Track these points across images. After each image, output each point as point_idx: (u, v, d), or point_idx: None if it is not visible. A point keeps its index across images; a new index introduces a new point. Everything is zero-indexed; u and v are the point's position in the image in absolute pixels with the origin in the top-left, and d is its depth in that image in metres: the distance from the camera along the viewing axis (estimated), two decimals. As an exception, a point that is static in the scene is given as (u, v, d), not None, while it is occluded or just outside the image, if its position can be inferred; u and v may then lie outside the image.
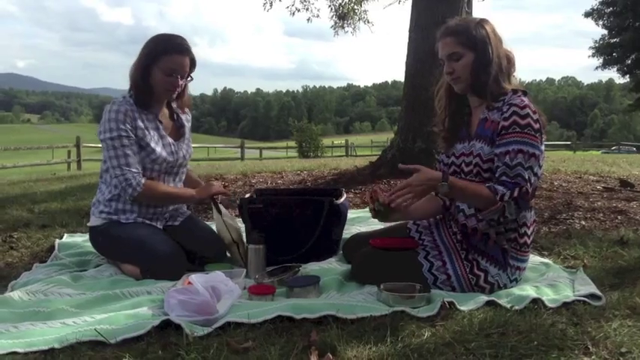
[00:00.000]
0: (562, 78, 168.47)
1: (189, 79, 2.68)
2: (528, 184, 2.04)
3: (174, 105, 2.80)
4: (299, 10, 11.25)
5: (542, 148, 2.13)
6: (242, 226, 2.80)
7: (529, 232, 2.22)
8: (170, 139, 2.69)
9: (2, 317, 1.95)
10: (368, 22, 11.56)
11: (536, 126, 2.06)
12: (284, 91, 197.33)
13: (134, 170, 2.51)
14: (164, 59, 2.53)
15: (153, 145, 2.58)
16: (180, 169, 2.77)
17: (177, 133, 2.77)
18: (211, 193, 2.74)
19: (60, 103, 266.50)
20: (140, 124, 2.56)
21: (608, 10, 28.08)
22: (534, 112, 2.07)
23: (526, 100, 2.11)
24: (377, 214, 2.22)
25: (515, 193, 2.02)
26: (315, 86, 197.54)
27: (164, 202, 2.68)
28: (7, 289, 2.33)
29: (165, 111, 2.75)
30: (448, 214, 2.44)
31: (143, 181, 2.52)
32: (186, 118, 2.87)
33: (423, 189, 2.08)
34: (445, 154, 2.40)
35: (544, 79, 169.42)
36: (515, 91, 2.16)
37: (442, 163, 2.41)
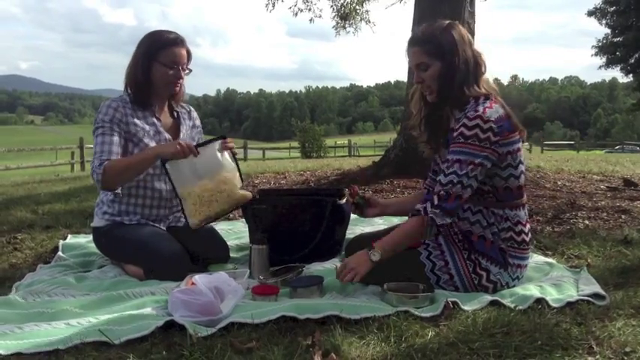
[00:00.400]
0: (565, 77, 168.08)
1: (187, 71, 2.70)
2: (456, 187, 2.04)
3: (174, 105, 2.82)
4: (301, 11, 11.25)
5: (515, 147, 2.11)
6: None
7: (525, 230, 2.22)
8: (167, 136, 2.70)
9: (6, 318, 1.95)
10: (369, 22, 11.56)
11: (484, 135, 2.04)
12: (287, 91, 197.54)
13: (104, 158, 2.46)
14: (163, 53, 2.58)
15: (147, 140, 2.60)
16: None
17: (177, 130, 2.78)
18: (176, 150, 2.41)
19: (63, 105, 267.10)
20: (133, 120, 2.59)
21: (612, 9, 28.01)
22: (486, 122, 2.04)
23: (482, 108, 2.07)
24: (356, 207, 2.49)
25: (435, 201, 2.05)
26: (317, 86, 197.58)
27: (130, 173, 2.51)
28: (11, 290, 2.34)
29: (165, 108, 2.77)
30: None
31: (100, 163, 2.44)
32: (193, 116, 2.89)
33: (362, 268, 2.10)
34: (434, 160, 2.41)
35: (547, 79, 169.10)
36: (476, 99, 2.13)
37: (434, 163, 2.44)
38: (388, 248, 2.11)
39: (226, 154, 2.60)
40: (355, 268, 2.09)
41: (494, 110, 2.08)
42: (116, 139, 2.53)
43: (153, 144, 2.60)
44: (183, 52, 2.64)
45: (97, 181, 2.46)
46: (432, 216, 2.06)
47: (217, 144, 2.58)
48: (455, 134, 2.08)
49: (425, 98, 2.30)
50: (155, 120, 2.68)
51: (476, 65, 2.16)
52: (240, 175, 2.67)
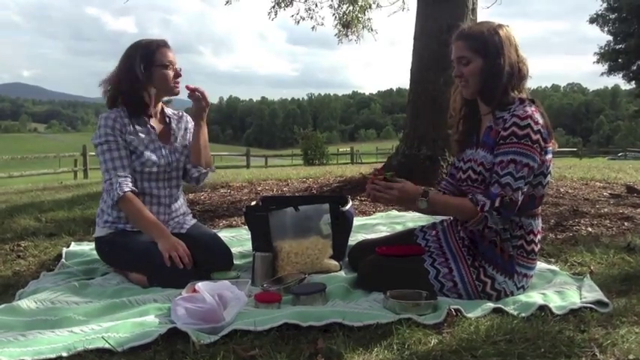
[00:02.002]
0: (567, 84, 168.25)
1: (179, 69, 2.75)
2: (516, 193, 2.04)
3: (168, 110, 2.86)
4: (304, 19, 11.29)
5: (549, 156, 2.14)
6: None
7: (536, 240, 2.22)
8: (160, 143, 2.74)
9: (10, 326, 1.96)
10: (372, 30, 11.58)
11: (535, 137, 2.05)
12: (289, 99, 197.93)
13: (120, 174, 2.57)
14: (157, 57, 2.65)
15: (142, 148, 2.65)
16: (173, 174, 2.78)
17: (168, 136, 2.81)
18: (166, 254, 2.45)
19: (66, 112, 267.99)
20: (130, 128, 2.65)
21: (613, 16, 28.08)
22: (536, 123, 2.06)
23: (530, 110, 2.09)
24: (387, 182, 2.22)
25: (497, 203, 2.04)
26: (320, 94, 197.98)
27: (132, 219, 2.62)
28: (15, 297, 2.34)
29: (158, 115, 2.80)
30: (455, 220, 2.44)
31: (126, 189, 2.54)
32: (185, 120, 2.91)
33: (401, 200, 2.14)
34: (457, 158, 2.41)
35: (549, 86, 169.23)
36: (522, 101, 2.15)
37: (454, 167, 2.43)
38: (437, 205, 2.13)
39: (327, 218, 2.65)
40: (397, 196, 2.11)
41: (539, 116, 2.10)
42: (123, 152, 2.60)
43: (148, 152, 2.65)
44: (172, 52, 2.72)
45: (113, 199, 2.55)
46: (487, 215, 2.06)
47: (325, 207, 2.65)
48: (505, 133, 2.08)
49: (463, 98, 2.31)
50: (149, 128, 2.72)
51: (520, 70, 2.18)
52: (333, 246, 2.67)
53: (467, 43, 2.19)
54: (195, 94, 2.72)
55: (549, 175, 2.19)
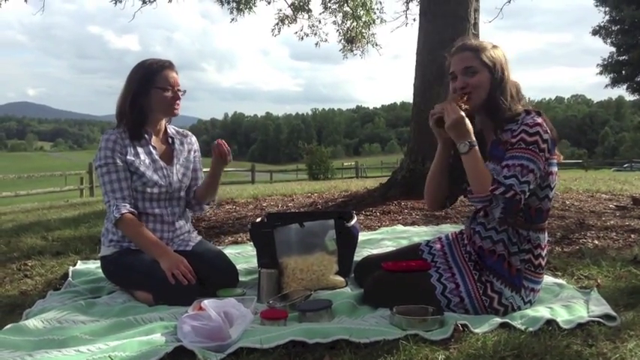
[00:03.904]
0: (571, 96, 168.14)
1: (182, 92, 2.76)
2: (520, 195, 2.03)
3: (171, 130, 2.87)
4: (307, 35, 11.39)
5: (554, 169, 2.14)
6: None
7: (543, 254, 2.22)
8: (162, 163, 2.75)
9: (17, 345, 1.96)
10: (376, 45, 11.66)
11: (543, 145, 2.06)
12: (293, 114, 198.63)
13: (118, 197, 2.60)
14: (158, 78, 2.67)
15: (143, 169, 2.66)
16: (175, 194, 2.80)
17: (171, 157, 2.82)
18: (169, 272, 2.46)
19: (72, 131, 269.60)
20: (131, 149, 2.67)
21: (616, 27, 28.13)
22: (545, 132, 2.08)
23: (539, 119, 2.11)
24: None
25: (509, 195, 2.01)
26: (324, 109, 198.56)
27: (132, 240, 2.63)
28: (21, 317, 2.35)
29: (160, 135, 2.82)
30: (461, 235, 2.44)
31: (124, 211, 2.56)
32: (189, 141, 2.92)
33: (453, 127, 2.10)
34: None
35: (553, 98, 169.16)
36: (528, 112, 2.16)
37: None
38: (470, 159, 2.10)
39: (332, 234, 2.66)
40: (455, 120, 2.09)
41: (546, 127, 2.11)
42: (122, 175, 2.63)
43: (149, 173, 2.67)
44: (175, 74, 2.73)
45: (112, 221, 2.59)
46: (492, 200, 2.04)
47: (330, 223, 2.66)
48: (514, 140, 2.09)
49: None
50: (151, 148, 2.74)
51: (517, 90, 2.22)
52: (338, 261, 2.67)
53: (474, 54, 2.20)
54: (222, 150, 2.71)
55: (554, 189, 2.20)
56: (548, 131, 2.10)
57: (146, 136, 2.73)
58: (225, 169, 2.90)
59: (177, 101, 2.74)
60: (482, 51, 2.20)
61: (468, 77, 2.19)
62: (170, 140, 2.85)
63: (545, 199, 2.17)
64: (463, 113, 2.10)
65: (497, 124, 2.20)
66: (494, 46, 2.23)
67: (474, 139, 2.11)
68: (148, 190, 2.67)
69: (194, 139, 2.97)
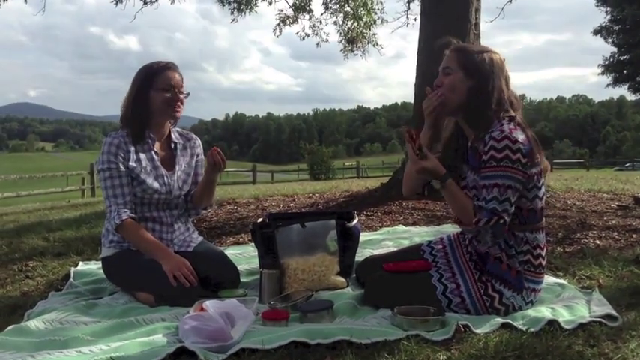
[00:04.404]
0: (573, 96, 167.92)
1: (185, 94, 2.73)
2: (504, 214, 2.05)
3: (175, 134, 2.84)
4: (308, 36, 11.39)
5: (534, 170, 2.11)
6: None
7: (542, 254, 2.22)
8: (164, 171, 2.73)
9: (19, 346, 1.96)
10: (377, 45, 11.66)
11: (515, 157, 2.04)
12: (294, 114, 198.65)
13: (119, 202, 2.60)
14: (158, 79, 2.65)
15: (143, 176, 2.65)
16: (174, 201, 2.79)
17: (173, 163, 2.80)
18: (170, 274, 2.46)
19: (74, 131, 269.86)
20: (134, 155, 2.65)
21: (617, 27, 28.11)
22: (514, 142, 2.04)
23: (507, 128, 2.07)
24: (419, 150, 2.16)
25: (492, 222, 2.04)
26: (325, 109, 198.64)
27: (133, 244, 2.63)
28: (23, 318, 2.35)
29: (163, 140, 2.80)
30: (463, 235, 2.44)
31: (124, 217, 2.57)
32: (192, 145, 2.90)
33: (421, 172, 2.13)
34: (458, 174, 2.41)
35: (555, 97, 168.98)
36: (499, 120, 2.13)
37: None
38: (447, 193, 2.14)
39: (333, 235, 2.66)
40: (419, 168, 2.11)
41: (519, 132, 2.09)
42: (124, 180, 2.62)
43: (150, 180, 2.66)
44: (177, 75, 2.70)
45: (113, 227, 2.59)
46: (480, 231, 2.11)
47: (331, 223, 2.66)
48: (485, 157, 2.08)
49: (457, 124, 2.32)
50: (153, 154, 2.72)
51: (511, 103, 2.18)
52: (340, 261, 2.66)
53: (456, 55, 2.21)
54: (217, 160, 2.66)
55: (543, 187, 2.19)
56: (519, 138, 2.05)
57: (149, 141, 2.72)
58: (227, 170, 2.89)
59: (178, 103, 2.69)
60: (466, 54, 2.20)
61: (444, 76, 2.22)
62: (173, 145, 2.83)
63: (536, 199, 2.16)
64: (422, 163, 2.10)
65: (475, 130, 2.20)
66: (489, 54, 2.19)
67: (442, 173, 2.12)
68: (147, 196, 2.67)
69: (198, 142, 2.94)
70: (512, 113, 2.16)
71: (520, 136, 2.07)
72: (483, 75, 2.15)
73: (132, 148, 2.66)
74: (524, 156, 2.06)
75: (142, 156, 2.69)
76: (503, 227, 2.07)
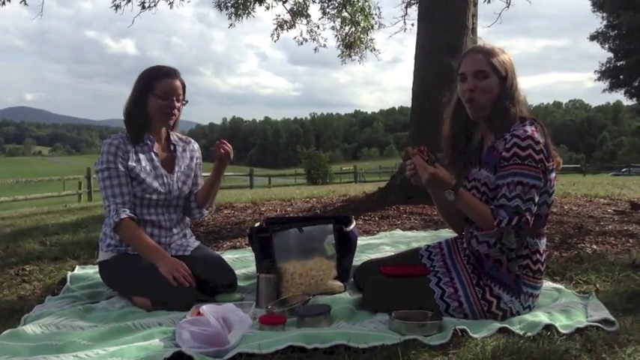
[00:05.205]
0: (569, 101, 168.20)
1: (183, 102, 2.75)
2: (527, 214, 2.04)
3: (174, 137, 2.86)
4: (306, 40, 11.43)
5: (552, 175, 2.13)
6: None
7: (542, 260, 2.22)
8: (163, 171, 2.74)
9: (16, 351, 1.96)
10: (374, 49, 11.69)
11: (538, 157, 2.05)
12: (292, 118, 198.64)
13: (118, 202, 2.61)
14: (157, 86, 2.66)
15: (143, 175, 2.66)
16: (174, 202, 2.79)
17: (172, 165, 2.81)
18: (169, 276, 2.45)
19: (71, 135, 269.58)
20: (133, 155, 2.67)
21: (614, 33, 28.24)
22: (537, 143, 2.06)
23: (530, 129, 2.09)
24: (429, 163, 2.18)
25: (514, 222, 2.03)
26: (322, 113, 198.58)
27: (131, 245, 2.64)
28: (20, 322, 2.34)
29: (163, 142, 2.82)
30: (460, 239, 2.44)
31: (123, 216, 2.57)
32: (192, 148, 2.91)
33: (430, 184, 2.13)
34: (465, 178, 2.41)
35: (551, 102, 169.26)
36: (522, 120, 2.16)
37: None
38: (462, 202, 2.12)
39: (331, 239, 2.65)
40: (428, 179, 2.10)
41: (539, 135, 2.10)
42: (123, 180, 2.63)
43: (149, 179, 2.67)
44: (177, 83, 2.70)
45: (111, 225, 2.59)
46: (504, 232, 2.10)
47: (329, 228, 2.66)
48: (507, 155, 2.07)
49: (459, 118, 2.31)
50: (153, 155, 2.73)
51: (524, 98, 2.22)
52: (337, 266, 2.66)
53: (487, 57, 2.19)
54: (223, 151, 2.69)
55: (553, 194, 2.19)
56: (540, 140, 2.08)
57: (148, 142, 2.73)
58: (224, 174, 2.89)
59: (173, 111, 2.69)
60: (494, 56, 2.19)
61: (478, 81, 2.18)
62: (172, 147, 2.85)
63: (544, 205, 2.17)
64: (433, 168, 2.10)
65: (495, 130, 2.20)
66: (504, 52, 2.22)
67: (453, 183, 2.11)
68: (147, 196, 2.68)
69: (196, 145, 2.96)
70: (529, 114, 2.19)
71: (541, 139, 2.09)
72: (510, 75, 2.18)
73: (131, 149, 2.68)
74: (545, 158, 2.07)
75: (142, 156, 2.70)
76: (526, 225, 2.05)
